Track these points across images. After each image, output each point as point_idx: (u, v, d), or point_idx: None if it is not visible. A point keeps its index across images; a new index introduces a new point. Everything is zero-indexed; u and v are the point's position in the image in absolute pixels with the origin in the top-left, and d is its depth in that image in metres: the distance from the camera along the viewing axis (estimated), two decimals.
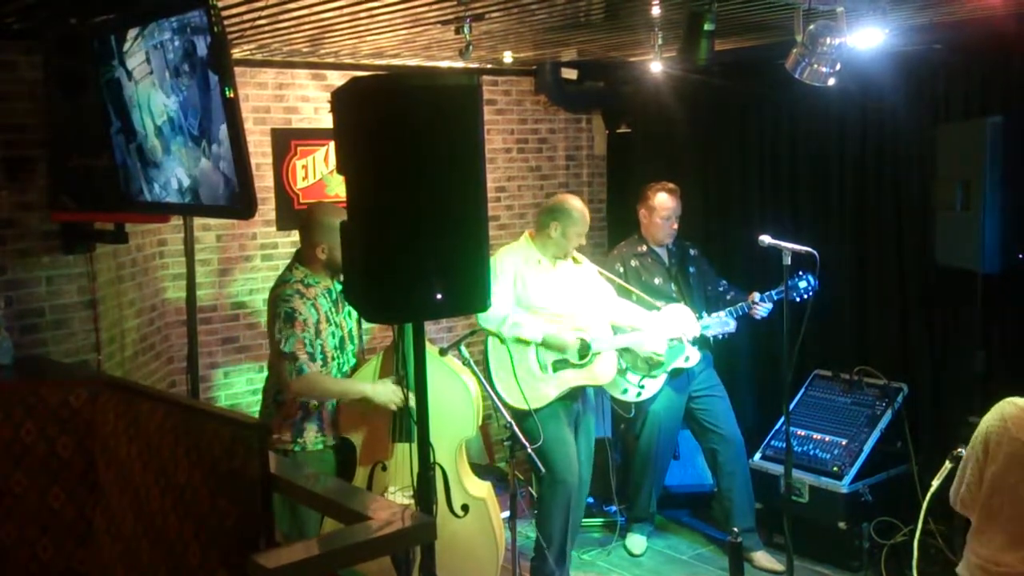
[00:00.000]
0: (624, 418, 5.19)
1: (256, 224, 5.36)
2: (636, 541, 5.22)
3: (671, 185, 5.08)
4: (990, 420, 2.89)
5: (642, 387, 4.96)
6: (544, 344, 4.43)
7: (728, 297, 5.03)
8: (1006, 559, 2.73)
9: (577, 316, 4.56)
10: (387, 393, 3.77)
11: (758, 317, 4.88)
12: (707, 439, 5.13)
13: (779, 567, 4.78)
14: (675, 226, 5.08)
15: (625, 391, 4.97)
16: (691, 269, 5.16)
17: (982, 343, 4.44)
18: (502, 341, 4.39)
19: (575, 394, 4.60)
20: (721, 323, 4.87)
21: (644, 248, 5.11)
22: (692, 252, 5.21)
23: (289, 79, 5.47)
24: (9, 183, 4.00)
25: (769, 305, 4.84)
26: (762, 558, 4.93)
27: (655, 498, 5.29)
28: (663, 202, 5.02)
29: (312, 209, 3.97)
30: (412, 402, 3.61)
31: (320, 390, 3.76)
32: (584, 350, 4.53)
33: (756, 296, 4.85)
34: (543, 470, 4.07)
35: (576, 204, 4.54)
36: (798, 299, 4.64)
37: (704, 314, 4.91)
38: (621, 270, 5.01)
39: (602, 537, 5.37)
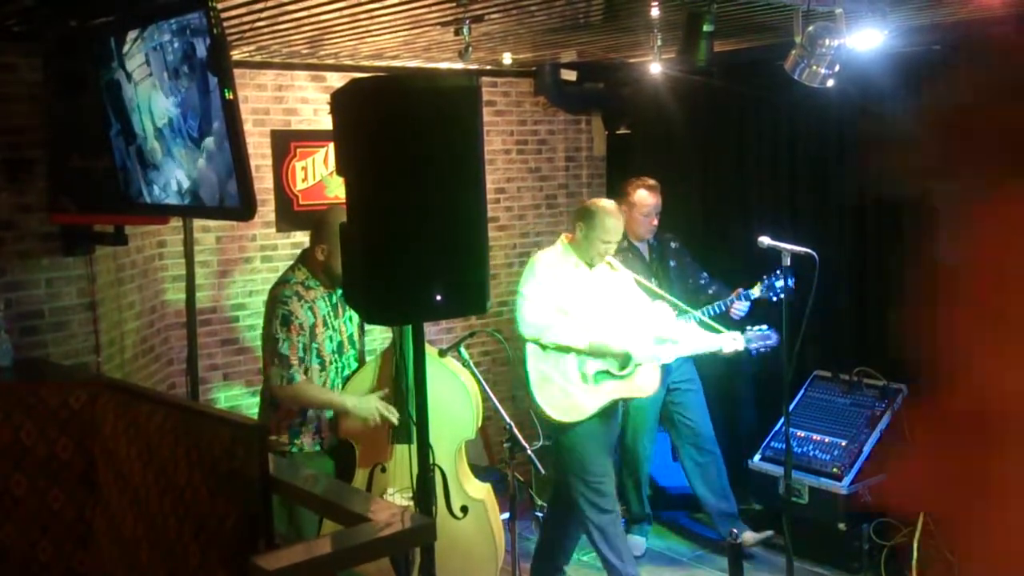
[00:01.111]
0: None
1: (256, 226, 5.36)
2: (635, 542, 5.22)
3: (651, 181, 5.08)
4: None
5: None
6: (590, 350, 4.21)
7: (710, 291, 5.04)
8: None
9: (615, 324, 4.33)
10: (369, 409, 3.77)
11: (735, 317, 4.86)
12: (678, 433, 5.16)
13: (767, 533, 4.92)
14: (655, 222, 5.08)
15: None
16: (671, 263, 5.16)
17: None
18: (544, 348, 4.19)
19: (613, 411, 4.41)
20: (761, 336, 4.64)
21: (625, 244, 5.10)
22: (673, 245, 5.22)
23: (288, 80, 5.47)
24: (9, 185, 4.00)
25: (747, 304, 4.83)
26: (750, 537, 4.96)
27: (646, 495, 5.30)
28: (643, 198, 5.03)
29: (328, 210, 4.02)
30: (411, 405, 3.61)
31: (305, 400, 3.76)
32: (625, 361, 4.31)
33: (740, 292, 4.85)
34: (543, 471, 4.05)
35: (606, 209, 4.30)
36: (774, 298, 4.64)
37: (714, 323, 4.77)
38: None
39: None
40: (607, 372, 4.29)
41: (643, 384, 4.42)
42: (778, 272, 4.60)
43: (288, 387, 3.67)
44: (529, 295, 4.23)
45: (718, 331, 4.60)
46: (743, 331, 4.66)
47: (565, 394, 4.23)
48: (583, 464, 4.28)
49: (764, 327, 4.68)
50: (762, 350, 4.70)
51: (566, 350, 4.22)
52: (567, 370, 4.25)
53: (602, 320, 4.28)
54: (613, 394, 4.33)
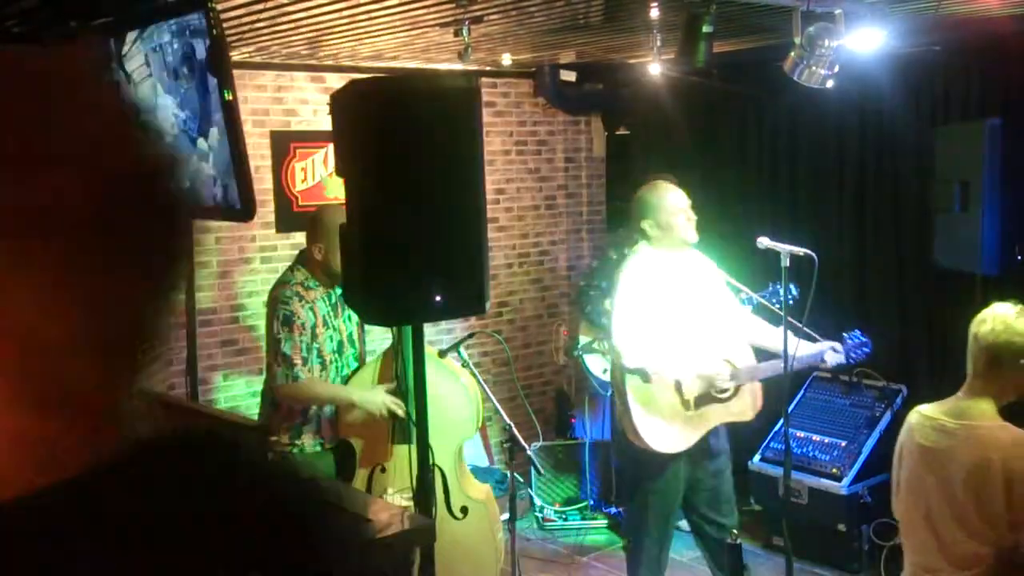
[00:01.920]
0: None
1: (255, 226, 5.35)
2: None
3: (669, 179, 5.00)
4: (901, 432, 2.98)
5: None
6: (699, 377, 3.88)
7: None
8: (934, 564, 2.79)
9: (710, 336, 3.95)
10: (376, 403, 3.75)
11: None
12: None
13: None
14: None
15: (606, 370, 4.91)
16: None
17: None
18: (645, 379, 3.83)
19: (703, 442, 3.97)
20: (858, 344, 4.14)
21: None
22: None
23: (288, 81, 5.47)
24: None
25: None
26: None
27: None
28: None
29: (321, 208, 4.03)
30: (411, 406, 3.61)
31: (312, 396, 3.76)
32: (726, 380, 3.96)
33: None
34: (542, 472, 4.02)
35: (654, 187, 4.04)
36: (777, 304, 4.51)
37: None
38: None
39: (604, 539, 5.37)
40: (708, 395, 3.92)
41: (742, 409, 4.03)
42: (779, 283, 4.44)
43: (294, 384, 3.68)
44: (620, 320, 3.86)
45: (811, 337, 4.06)
46: (840, 340, 4.16)
47: (668, 422, 3.87)
48: (659, 518, 3.98)
49: (858, 333, 4.22)
50: (861, 358, 4.26)
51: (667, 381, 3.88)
52: (670, 397, 3.88)
53: (693, 332, 3.92)
54: (717, 419, 3.96)
